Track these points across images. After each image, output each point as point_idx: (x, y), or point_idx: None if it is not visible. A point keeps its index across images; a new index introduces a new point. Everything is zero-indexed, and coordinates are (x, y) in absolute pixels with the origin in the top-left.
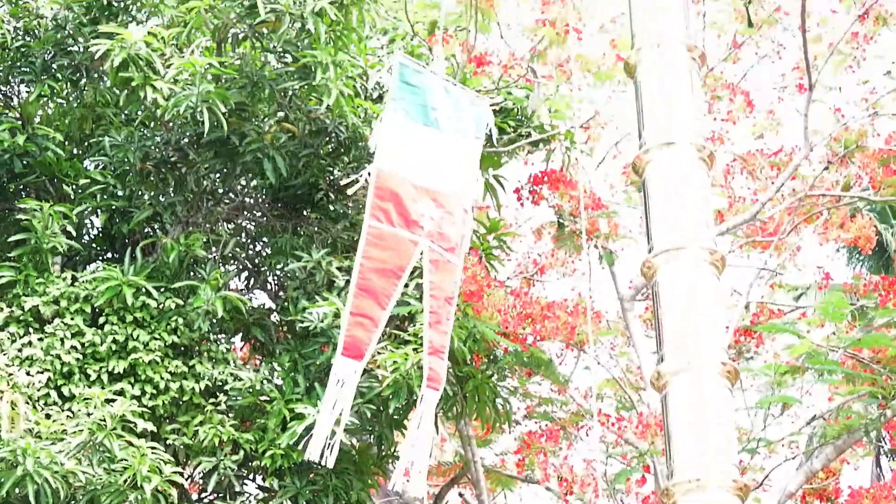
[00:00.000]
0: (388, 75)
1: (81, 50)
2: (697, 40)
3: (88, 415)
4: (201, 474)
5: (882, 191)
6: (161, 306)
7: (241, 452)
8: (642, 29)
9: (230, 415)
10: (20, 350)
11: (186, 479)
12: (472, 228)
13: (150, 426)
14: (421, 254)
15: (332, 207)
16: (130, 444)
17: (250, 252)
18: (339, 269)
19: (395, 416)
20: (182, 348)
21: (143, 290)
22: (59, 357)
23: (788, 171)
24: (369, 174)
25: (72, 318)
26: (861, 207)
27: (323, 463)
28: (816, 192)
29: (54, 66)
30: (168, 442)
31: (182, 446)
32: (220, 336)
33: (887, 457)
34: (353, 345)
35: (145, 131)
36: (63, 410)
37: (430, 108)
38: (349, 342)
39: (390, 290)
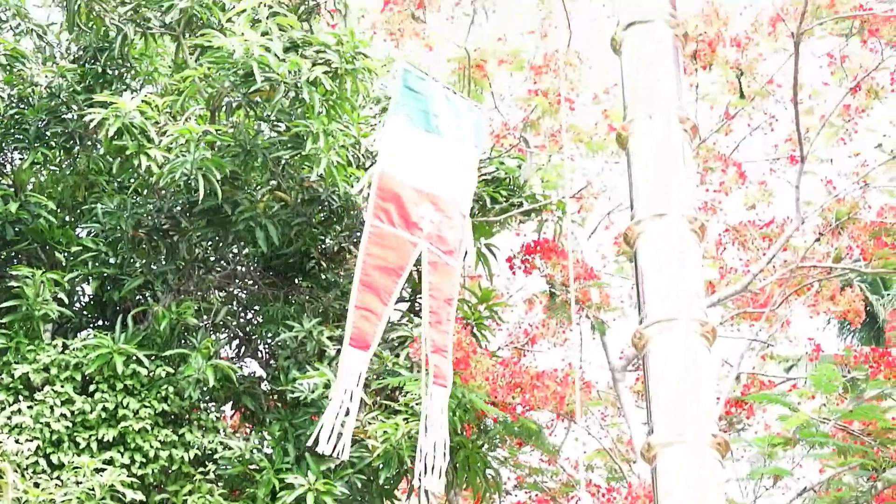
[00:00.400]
0: (392, 81)
1: (75, 118)
2: (690, 112)
3: (77, 483)
4: None
5: (873, 263)
6: (151, 374)
7: None
8: (634, 100)
9: (219, 484)
10: (9, 418)
11: None
12: (470, 233)
13: (140, 496)
14: (420, 255)
15: (323, 276)
16: None
17: (241, 320)
18: (329, 338)
19: (386, 486)
20: (172, 416)
21: (134, 358)
22: (48, 425)
23: (780, 243)
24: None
25: (62, 386)
26: (852, 279)
27: (337, 455)
28: (808, 264)
29: (48, 133)
30: None
31: None
32: (210, 404)
33: None
34: (360, 336)
35: (138, 199)
36: (52, 479)
37: (431, 115)
38: (356, 333)
39: (391, 288)
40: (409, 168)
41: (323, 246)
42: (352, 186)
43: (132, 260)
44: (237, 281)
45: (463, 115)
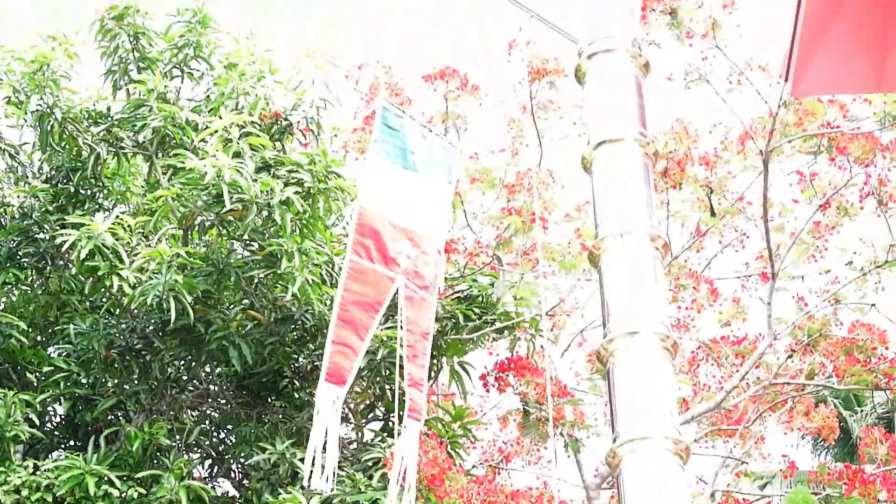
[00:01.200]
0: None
1: (48, 238)
2: (661, 229)
3: None
4: None
5: (846, 379)
6: (124, 495)
7: None
8: (605, 219)
9: None
10: None
11: None
12: (444, 269)
13: None
14: (397, 290)
15: (297, 395)
16: None
17: (214, 440)
18: (302, 460)
19: None
20: None
21: (106, 478)
22: None
23: (753, 360)
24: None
25: None
26: (826, 396)
27: (323, 488)
28: (781, 381)
29: (20, 253)
30: None
31: None
32: None
33: None
34: (337, 371)
35: (110, 319)
36: None
37: (408, 152)
38: (332, 369)
39: (369, 323)
40: (387, 204)
41: (296, 365)
42: (325, 305)
43: (104, 380)
44: (210, 400)
45: (437, 152)
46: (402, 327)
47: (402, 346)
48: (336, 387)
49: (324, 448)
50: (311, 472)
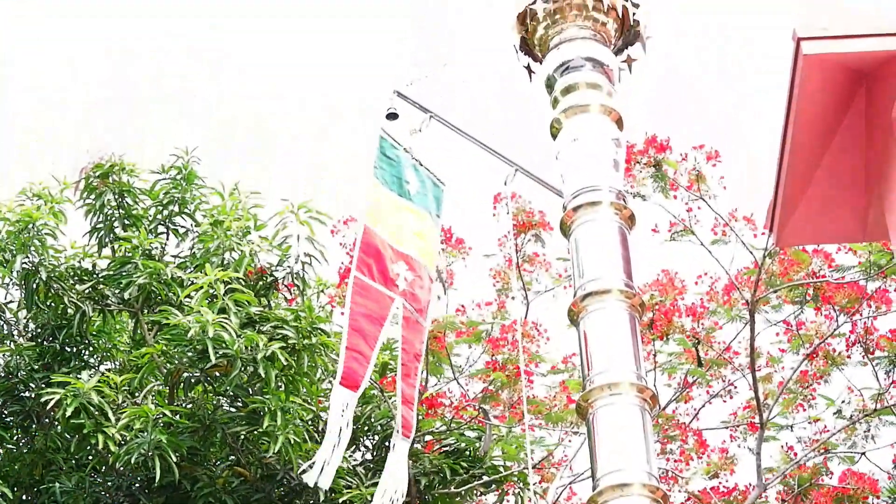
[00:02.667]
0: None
1: (33, 396)
2: (648, 381)
3: None
4: None
5: None
6: None
7: None
8: (593, 371)
9: None
10: None
11: None
12: (435, 296)
13: None
14: (396, 309)
15: None
16: None
17: None
18: None
19: None
20: None
21: None
22: None
23: None
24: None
25: None
26: None
27: (317, 485)
28: None
29: (5, 412)
30: None
31: None
32: None
33: None
34: (350, 375)
35: (96, 477)
36: None
37: (403, 181)
38: (347, 373)
39: (376, 334)
40: (386, 227)
41: None
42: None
43: None
44: None
45: (428, 187)
46: (399, 346)
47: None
48: (349, 391)
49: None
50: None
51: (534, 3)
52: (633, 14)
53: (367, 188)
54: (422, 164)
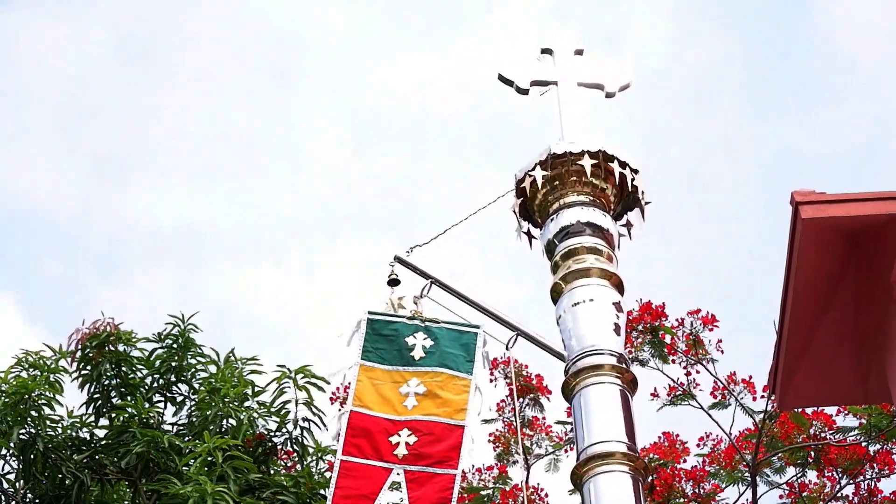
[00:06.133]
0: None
1: None
2: None
3: None
4: None
5: None
6: None
7: None
8: None
9: None
10: None
11: None
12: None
13: None
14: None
15: None
16: None
17: None
18: None
19: None
20: None
21: None
22: None
23: None
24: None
25: None
26: None
27: None
28: None
29: None
30: None
31: None
32: None
33: None
34: None
35: None
36: None
37: (405, 350)
38: None
39: None
40: (381, 403)
41: None
42: None
43: None
44: None
45: (446, 342)
46: None
47: None
48: None
49: None
50: None
51: (533, 170)
52: (632, 180)
53: (352, 372)
54: (437, 322)
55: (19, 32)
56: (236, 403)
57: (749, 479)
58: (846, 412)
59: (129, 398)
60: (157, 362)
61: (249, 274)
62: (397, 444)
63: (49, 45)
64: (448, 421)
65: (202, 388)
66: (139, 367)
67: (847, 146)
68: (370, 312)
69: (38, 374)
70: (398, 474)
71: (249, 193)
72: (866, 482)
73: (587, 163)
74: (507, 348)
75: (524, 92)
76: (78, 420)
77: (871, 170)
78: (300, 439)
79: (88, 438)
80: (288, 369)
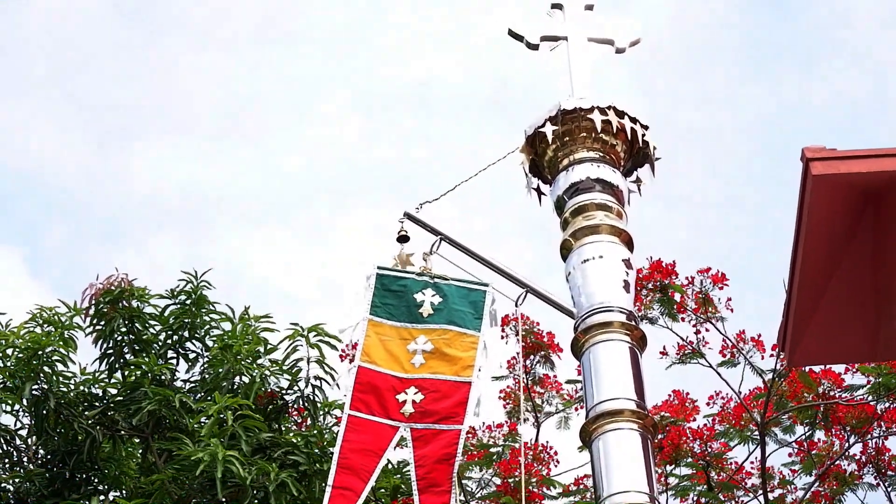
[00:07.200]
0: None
1: None
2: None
3: None
4: None
5: None
6: None
7: None
8: (606, 493)
9: None
10: None
11: None
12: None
13: None
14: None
15: None
16: None
17: None
18: None
19: None
20: None
21: None
22: None
23: None
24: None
25: None
26: None
27: None
28: None
29: None
30: None
31: None
32: None
33: None
34: None
35: None
36: None
37: (413, 307)
38: None
39: (371, 467)
40: (389, 360)
41: None
42: None
43: None
44: None
45: (454, 299)
46: (411, 465)
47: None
48: None
49: None
50: None
51: (543, 125)
52: (643, 136)
53: (360, 327)
54: (446, 279)
55: None
56: (249, 361)
57: (758, 437)
58: (855, 370)
59: (142, 355)
60: (171, 319)
61: (257, 236)
62: (404, 402)
63: (52, 2)
64: (455, 378)
65: (215, 345)
66: (152, 323)
67: (849, 98)
68: (379, 267)
69: (52, 329)
70: (405, 432)
71: (257, 155)
72: (874, 441)
73: (597, 118)
74: (516, 305)
75: (534, 47)
76: (90, 376)
77: (873, 120)
78: (311, 397)
79: (101, 395)
80: (301, 327)
